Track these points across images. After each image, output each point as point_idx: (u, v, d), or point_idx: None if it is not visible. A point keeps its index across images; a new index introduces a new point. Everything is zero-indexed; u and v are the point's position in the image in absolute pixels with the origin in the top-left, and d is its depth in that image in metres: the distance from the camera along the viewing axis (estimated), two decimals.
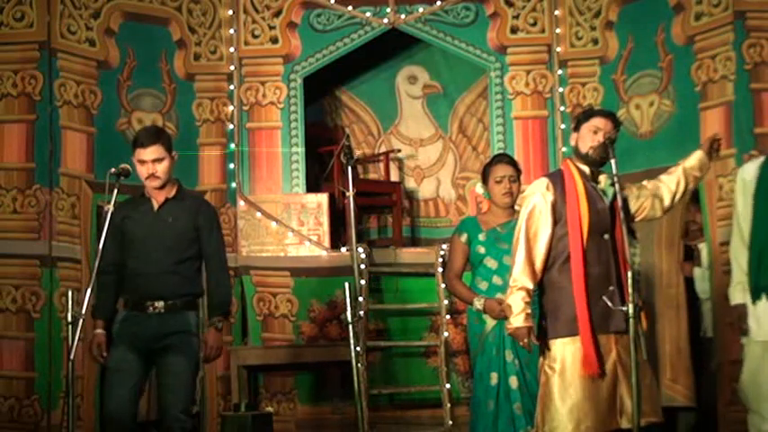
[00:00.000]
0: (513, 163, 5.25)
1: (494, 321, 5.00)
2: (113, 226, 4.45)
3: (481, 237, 5.12)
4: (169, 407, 4.54)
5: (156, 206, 4.67)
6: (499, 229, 5.11)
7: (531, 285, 4.25)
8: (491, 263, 5.08)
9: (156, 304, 4.59)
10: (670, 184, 4.41)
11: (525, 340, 4.21)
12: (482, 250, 5.10)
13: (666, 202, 4.41)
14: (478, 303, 5.00)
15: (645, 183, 4.45)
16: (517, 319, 4.21)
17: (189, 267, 4.71)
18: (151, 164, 4.59)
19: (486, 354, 5.02)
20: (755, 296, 4.61)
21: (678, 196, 4.42)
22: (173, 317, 4.61)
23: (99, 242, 4.31)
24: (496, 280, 5.07)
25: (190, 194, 4.92)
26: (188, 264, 4.70)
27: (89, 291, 4.18)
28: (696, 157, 4.43)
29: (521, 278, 4.24)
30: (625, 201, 4.35)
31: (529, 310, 4.22)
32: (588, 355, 4.13)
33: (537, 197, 4.31)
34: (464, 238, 5.17)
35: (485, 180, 5.24)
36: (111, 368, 4.56)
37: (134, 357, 4.55)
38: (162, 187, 4.63)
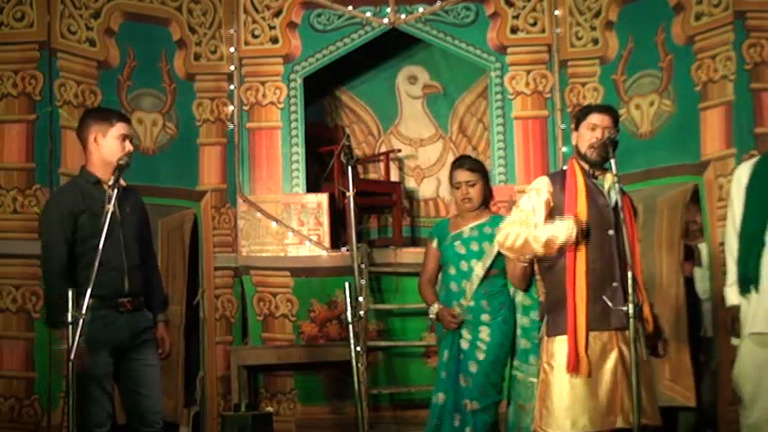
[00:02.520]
0: (472, 167, 5.14)
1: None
2: (70, 216, 4.17)
3: (447, 241, 5.11)
4: (151, 405, 4.30)
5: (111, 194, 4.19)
6: (466, 232, 5.09)
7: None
8: (450, 269, 5.09)
9: (127, 301, 4.24)
10: None
11: None
12: (446, 255, 5.11)
13: None
14: (432, 311, 5.06)
15: None
16: None
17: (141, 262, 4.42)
18: (129, 142, 4.30)
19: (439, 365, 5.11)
20: (744, 288, 4.63)
21: None
22: (139, 314, 4.32)
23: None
24: (453, 286, 5.06)
25: (128, 186, 4.45)
26: (142, 258, 4.41)
27: (89, 291, 3.89)
28: None
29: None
30: (631, 200, 4.37)
31: None
32: (571, 352, 4.14)
33: (532, 194, 4.35)
34: (435, 242, 5.17)
35: (451, 183, 5.21)
36: (95, 377, 4.12)
37: (112, 362, 4.22)
38: None
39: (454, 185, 5.12)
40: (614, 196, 4.25)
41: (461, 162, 5.22)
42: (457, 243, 5.07)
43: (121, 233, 4.23)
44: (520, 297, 5.03)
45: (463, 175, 5.10)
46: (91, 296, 3.86)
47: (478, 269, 5.00)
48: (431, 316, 5.08)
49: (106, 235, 3.98)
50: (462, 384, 4.93)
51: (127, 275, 4.25)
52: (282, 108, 7.03)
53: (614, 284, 4.17)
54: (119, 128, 4.28)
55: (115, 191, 4.03)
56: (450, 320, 4.98)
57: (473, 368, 4.93)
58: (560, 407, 4.16)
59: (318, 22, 7.12)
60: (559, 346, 4.21)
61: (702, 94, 6.29)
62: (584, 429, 4.11)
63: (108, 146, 4.27)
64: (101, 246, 3.91)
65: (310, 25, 7.11)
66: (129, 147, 4.29)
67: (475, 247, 5.04)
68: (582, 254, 4.19)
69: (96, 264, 3.89)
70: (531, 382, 4.78)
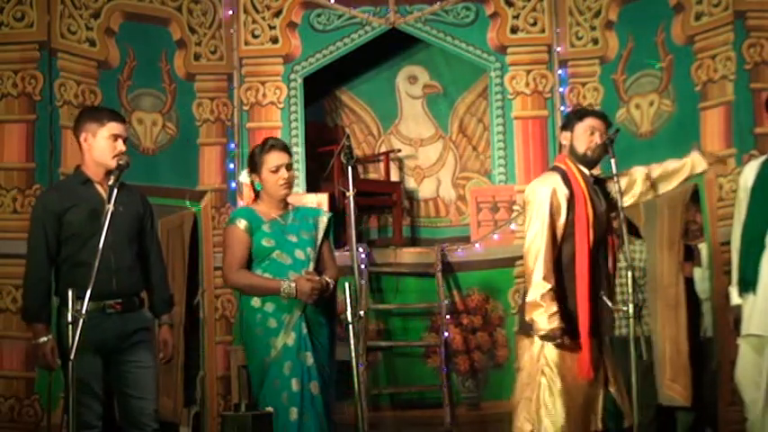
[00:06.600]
0: (287, 148, 4.57)
1: (289, 320, 4.40)
2: (52, 216, 4.11)
3: (266, 227, 4.44)
4: (142, 408, 4.19)
5: (102, 193, 4.17)
6: (281, 221, 4.49)
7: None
8: (284, 258, 4.42)
9: (116, 303, 4.14)
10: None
11: (559, 341, 4.16)
12: (271, 243, 4.43)
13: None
14: (288, 287, 4.32)
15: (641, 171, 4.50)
16: (552, 322, 4.15)
17: (139, 262, 4.30)
18: (123, 142, 4.18)
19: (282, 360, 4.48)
20: (743, 290, 4.63)
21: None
22: (132, 315, 4.21)
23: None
24: (293, 276, 4.38)
25: (125, 183, 4.28)
26: (138, 258, 4.29)
27: (89, 291, 3.80)
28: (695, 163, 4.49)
29: (548, 280, 4.18)
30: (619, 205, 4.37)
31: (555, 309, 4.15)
32: (584, 359, 4.15)
33: (551, 192, 4.24)
34: (243, 225, 4.43)
35: (255, 169, 4.53)
36: (79, 377, 3.84)
37: (99, 364, 4.14)
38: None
39: (270, 169, 4.45)
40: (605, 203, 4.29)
41: (276, 143, 4.57)
42: (282, 231, 4.46)
43: (109, 233, 3.93)
44: None
45: (282, 158, 4.48)
46: (78, 297, 3.73)
47: (312, 256, 4.46)
48: (286, 293, 4.31)
49: (92, 235, 3.98)
50: (314, 393, 4.40)
51: (115, 276, 4.13)
52: (282, 108, 7.04)
53: (601, 292, 4.20)
54: (109, 128, 4.17)
55: (114, 191, 3.94)
56: (311, 287, 4.30)
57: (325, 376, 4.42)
58: (553, 409, 4.18)
59: (318, 22, 7.12)
60: (555, 351, 4.21)
61: (702, 94, 6.29)
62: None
63: (98, 146, 4.18)
64: (101, 246, 3.82)
65: (310, 25, 7.11)
66: (120, 147, 4.18)
67: (306, 235, 4.49)
68: (588, 264, 4.20)
69: (96, 263, 3.80)
70: None
